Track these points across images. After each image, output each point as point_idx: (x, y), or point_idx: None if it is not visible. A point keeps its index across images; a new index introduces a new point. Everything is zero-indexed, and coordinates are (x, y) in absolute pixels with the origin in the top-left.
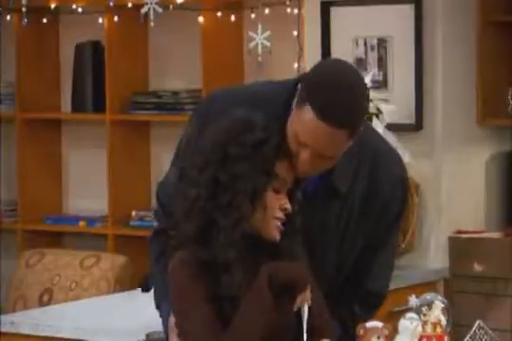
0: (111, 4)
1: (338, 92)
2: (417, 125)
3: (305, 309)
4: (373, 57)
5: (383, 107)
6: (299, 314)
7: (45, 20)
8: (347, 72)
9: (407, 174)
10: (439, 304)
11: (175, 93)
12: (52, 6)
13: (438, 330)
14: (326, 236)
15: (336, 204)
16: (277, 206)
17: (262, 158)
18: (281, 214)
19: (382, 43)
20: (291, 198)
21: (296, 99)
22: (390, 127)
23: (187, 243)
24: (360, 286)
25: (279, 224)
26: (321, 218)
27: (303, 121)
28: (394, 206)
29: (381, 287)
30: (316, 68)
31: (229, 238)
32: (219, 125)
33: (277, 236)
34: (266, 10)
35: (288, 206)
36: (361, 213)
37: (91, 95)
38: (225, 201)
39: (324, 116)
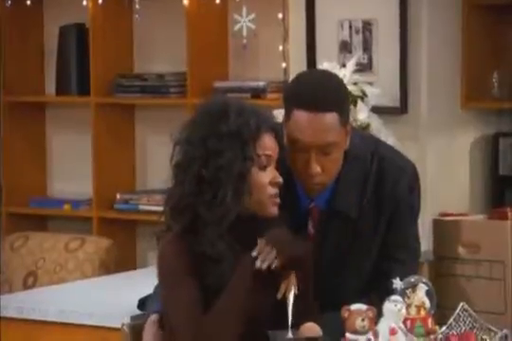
0: None
1: (311, 83)
2: (402, 108)
3: (291, 295)
4: (357, 40)
5: (368, 90)
6: (284, 299)
7: (28, 2)
8: (319, 72)
9: (413, 185)
10: (423, 287)
11: (160, 76)
12: None
13: (422, 312)
14: (341, 253)
15: (348, 226)
16: (267, 183)
17: (240, 145)
18: (274, 190)
19: (367, 25)
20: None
21: (283, 119)
22: (375, 110)
23: (176, 239)
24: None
25: (274, 200)
26: (334, 240)
27: (295, 122)
28: (403, 209)
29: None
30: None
31: (217, 232)
32: (195, 120)
33: (275, 211)
34: None
35: (280, 179)
36: (374, 222)
37: (75, 78)
38: (209, 196)
39: (306, 105)
